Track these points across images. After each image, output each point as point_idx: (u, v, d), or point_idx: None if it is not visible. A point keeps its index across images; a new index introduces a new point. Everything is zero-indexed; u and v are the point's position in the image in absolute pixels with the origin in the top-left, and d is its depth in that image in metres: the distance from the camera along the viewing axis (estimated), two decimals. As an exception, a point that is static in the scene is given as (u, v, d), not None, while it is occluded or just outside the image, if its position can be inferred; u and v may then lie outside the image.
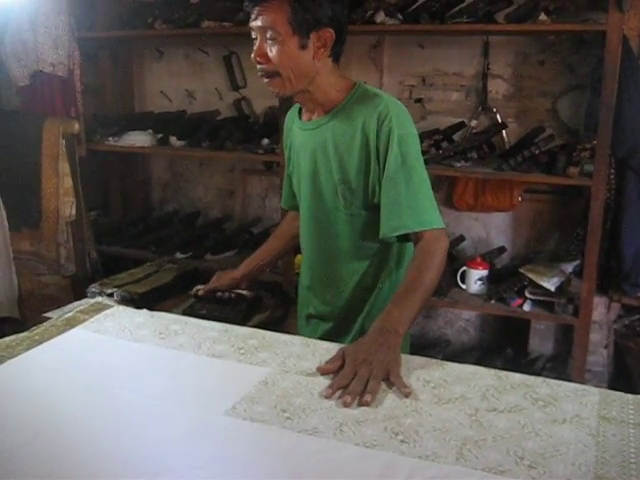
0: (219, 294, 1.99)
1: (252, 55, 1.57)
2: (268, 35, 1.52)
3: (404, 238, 1.60)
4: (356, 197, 1.64)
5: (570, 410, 1.22)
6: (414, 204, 1.55)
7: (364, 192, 1.63)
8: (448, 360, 1.46)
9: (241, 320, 1.86)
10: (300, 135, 1.75)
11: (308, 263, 1.85)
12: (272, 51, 1.53)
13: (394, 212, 1.56)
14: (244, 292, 2.02)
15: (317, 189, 1.71)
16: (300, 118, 1.76)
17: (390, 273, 1.72)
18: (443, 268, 1.56)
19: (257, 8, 1.53)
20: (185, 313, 1.88)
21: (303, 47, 1.53)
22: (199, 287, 2.02)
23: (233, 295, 2.00)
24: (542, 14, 2.57)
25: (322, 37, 1.55)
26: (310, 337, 1.74)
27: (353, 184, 1.63)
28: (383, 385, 1.31)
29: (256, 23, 1.54)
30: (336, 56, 1.63)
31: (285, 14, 1.50)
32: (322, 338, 1.70)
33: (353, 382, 1.28)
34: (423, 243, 1.54)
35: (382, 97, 1.60)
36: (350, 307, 1.76)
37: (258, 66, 1.57)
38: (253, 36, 1.58)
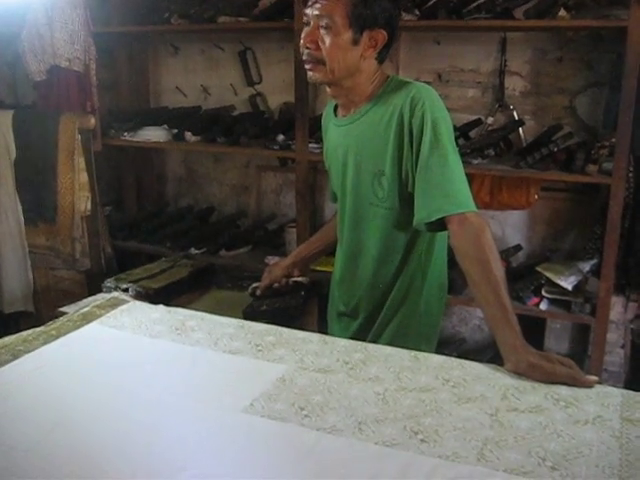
0: (276, 285, 1.99)
1: (302, 40, 1.60)
2: (323, 23, 1.55)
3: (437, 227, 1.55)
4: (392, 188, 1.62)
5: (592, 411, 1.21)
6: (449, 187, 1.51)
7: (399, 181, 1.61)
8: (463, 358, 1.45)
9: (302, 306, 1.89)
10: (336, 132, 1.75)
11: (341, 258, 1.84)
12: (324, 39, 1.56)
13: (429, 195, 1.52)
14: (300, 279, 2.01)
15: (353, 184, 1.70)
16: (335, 115, 1.76)
17: (419, 269, 1.71)
18: (495, 247, 1.47)
19: None
20: (246, 313, 1.88)
21: (355, 42, 1.57)
22: (255, 285, 2.01)
23: (290, 283, 2.00)
24: (562, 10, 2.55)
25: (374, 37, 1.58)
26: (341, 335, 1.74)
27: (389, 174, 1.61)
28: (401, 384, 1.31)
29: (313, 10, 1.57)
30: (381, 60, 1.65)
31: (345, 6, 1.53)
32: (353, 336, 1.71)
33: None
34: (467, 229, 1.47)
35: (415, 84, 1.61)
36: (377, 305, 1.76)
37: (305, 51, 1.60)
38: (305, 22, 1.60)
